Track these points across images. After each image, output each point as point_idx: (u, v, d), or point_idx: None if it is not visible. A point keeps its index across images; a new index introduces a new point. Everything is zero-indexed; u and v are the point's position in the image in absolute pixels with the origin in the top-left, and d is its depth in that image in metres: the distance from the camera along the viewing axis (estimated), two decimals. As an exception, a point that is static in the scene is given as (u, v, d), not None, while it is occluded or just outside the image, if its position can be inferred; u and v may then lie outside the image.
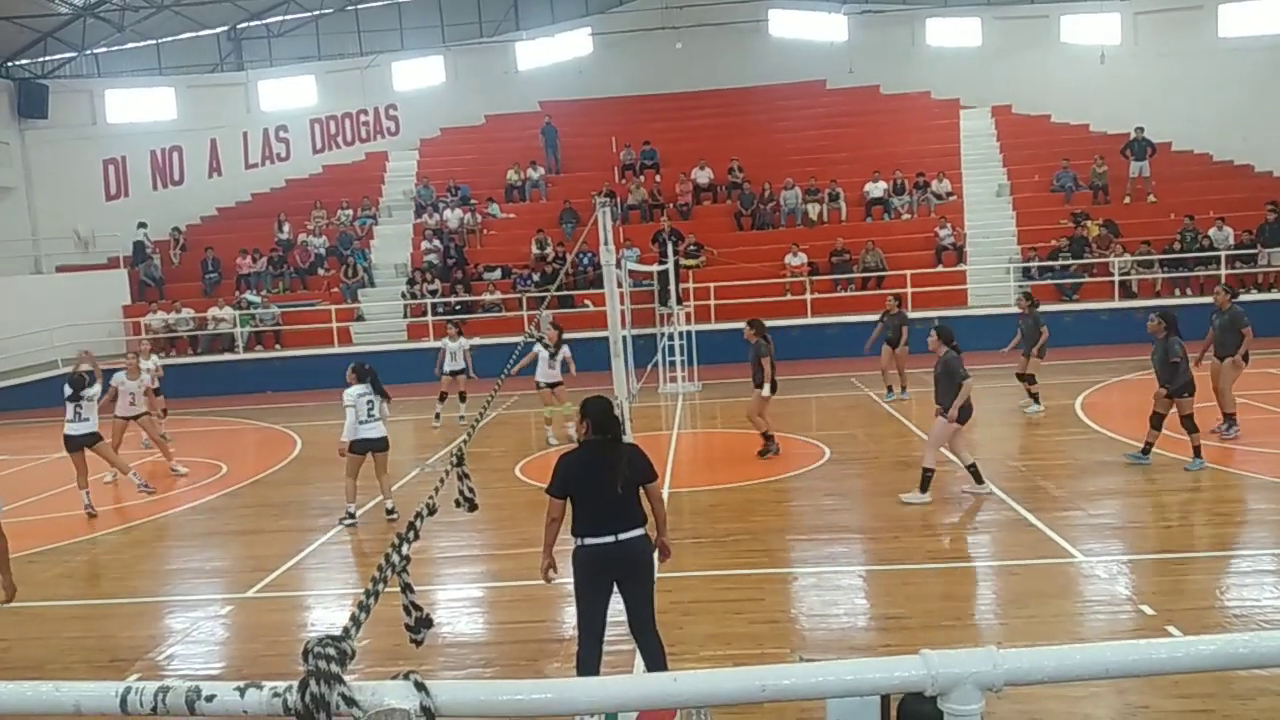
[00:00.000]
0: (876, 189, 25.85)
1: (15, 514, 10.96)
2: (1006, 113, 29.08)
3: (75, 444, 11.24)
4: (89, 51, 29.72)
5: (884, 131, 28.47)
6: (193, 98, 30.43)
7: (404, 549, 1.93)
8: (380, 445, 10.34)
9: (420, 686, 1.51)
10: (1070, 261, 22.78)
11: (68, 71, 29.82)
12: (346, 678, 1.54)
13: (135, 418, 13.19)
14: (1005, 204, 25.64)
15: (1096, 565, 7.79)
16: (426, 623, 1.93)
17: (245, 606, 8.11)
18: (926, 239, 24.09)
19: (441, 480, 2.44)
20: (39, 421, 20.08)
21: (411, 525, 2.04)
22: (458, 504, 2.59)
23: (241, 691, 1.56)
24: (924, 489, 9.78)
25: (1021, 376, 14.45)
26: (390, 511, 10.31)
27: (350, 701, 1.52)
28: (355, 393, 10.14)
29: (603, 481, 5.23)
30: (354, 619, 1.70)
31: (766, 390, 11.78)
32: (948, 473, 10.69)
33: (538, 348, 14.02)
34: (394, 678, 1.55)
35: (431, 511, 2.15)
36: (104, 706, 1.62)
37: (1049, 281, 22.64)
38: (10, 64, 28.36)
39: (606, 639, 5.45)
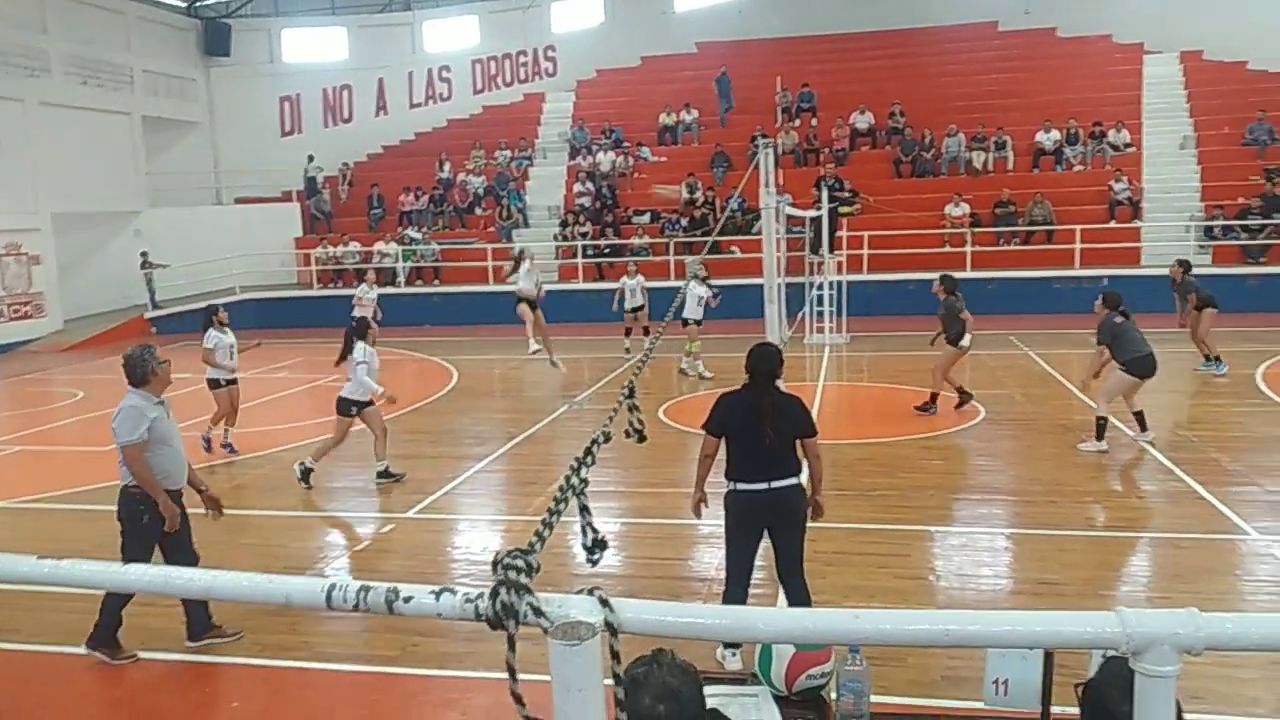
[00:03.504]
0: (1048, 138, 24.52)
1: (198, 428, 11.82)
2: (1196, 58, 26.92)
3: None
4: (269, -9, 31.12)
5: (1059, 77, 26.86)
6: (362, 37, 31.48)
7: (582, 472, 1.98)
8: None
9: (604, 602, 1.55)
10: (1260, 221, 21.10)
11: (249, 11, 31.30)
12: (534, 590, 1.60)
13: None
14: (1189, 157, 23.90)
15: (1273, 544, 7.32)
16: (602, 544, 1.98)
17: (405, 525, 8.54)
18: (1100, 193, 22.74)
19: (615, 409, 2.49)
20: (219, 343, 21.53)
21: (589, 450, 2.09)
22: (627, 434, 2.64)
23: (437, 595, 1.63)
24: (1099, 436, 10.05)
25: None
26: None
27: (538, 612, 1.57)
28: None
29: (755, 428, 5.24)
30: (538, 535, 1.76)
31: (967, 340, 11.80)
32: (1112, 438, 10.22)
33: (691, 285, 14.82)
34: (578, 594, 1.60)
35: (607, 439, 2.20)
36: (311, 601, 1.72)
37: (1234, 242, 21.08)
38: (198, 3, 29.96)
39: (751, 583, 5.50)
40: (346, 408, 9.73)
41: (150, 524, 5.86)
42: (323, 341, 17.74)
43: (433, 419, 13.11)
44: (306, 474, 9.69)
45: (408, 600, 1.65)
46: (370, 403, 9.81)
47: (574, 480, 1.97)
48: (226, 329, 11.15)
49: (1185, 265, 14.49)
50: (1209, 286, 14.37)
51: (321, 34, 31.35)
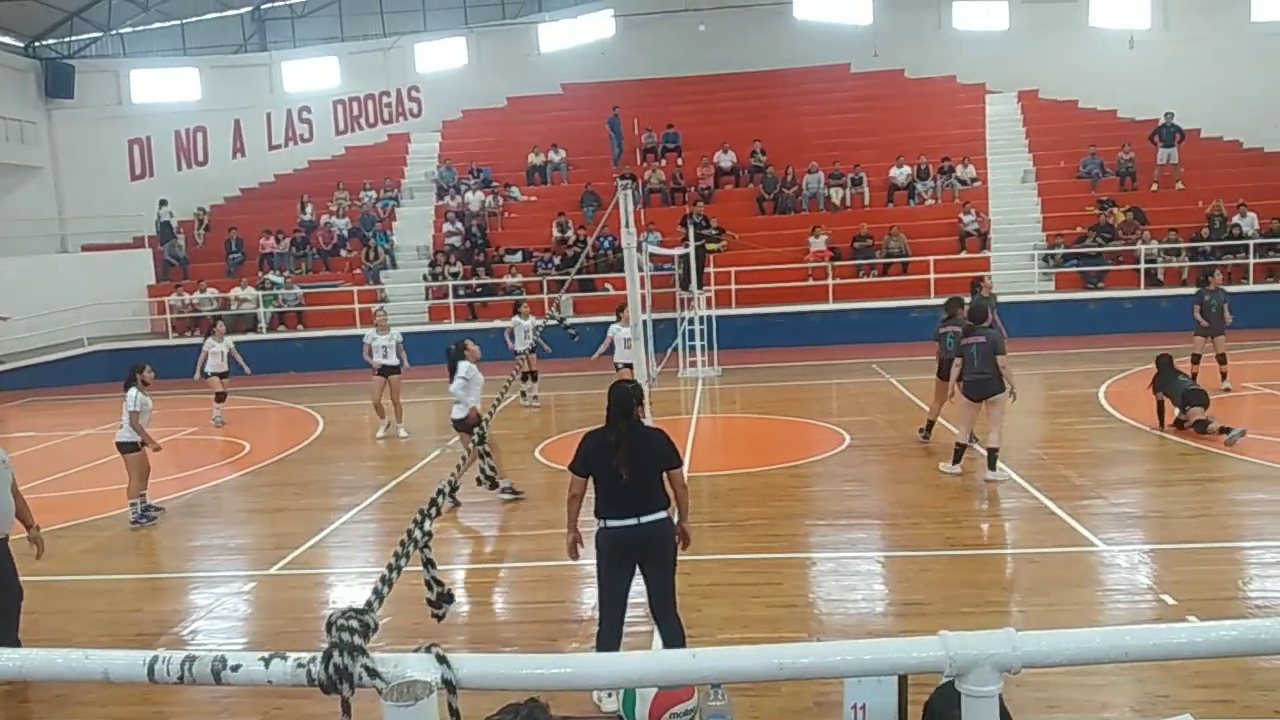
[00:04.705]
0: (900, 174, 25.65)
1: (45, 489, 11.15)
2: (1033, 98, 28.73)
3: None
4: (114, 32, 29.96)
5: (908, 116, 28.20)
6: (217, 78, 30.56)
7: (426, 525, 1.95)
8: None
9: (442, 659, 1.53)
10: (1096, 249, 22.54)
11: (93, 51, 30.04)
12: (369, 651, 1.56)
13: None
14: (1030, 190, 25.38)
15: (1118, 554, 7.75)
16: (448, 598, 1.95)
17: (268, 583, 8.20)
18: (950, 225, 23.88)
19: (463, 459, 2.46)
20: (67, 399, 20.34)
21: (433, 502, 2.06)
22: (479, 482, 2.61)
23: (266, 662, 1.58)
24: (956, 460, 10.34)
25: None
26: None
27: (373, 673, 1.53)
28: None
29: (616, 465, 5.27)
30: (376, 593, 1.72)
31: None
32: (968, 460, 10.67)
33: (615, 329, 14.72)
34: (416, 650, 1.57)
35: (454, 489, 2.17)
36: (132, 675, 1.64)
37: (1074, 269, 22.43)
38: (38, 44, 28.59)
39: (625, 620, 5.48)
40: (468, 428, 9.96)
41: None
42: (180, 393, 17.00)
43: (297, 469, 12.67)
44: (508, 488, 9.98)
45: (236, 669, 1.58)
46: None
47: (416, 534, 1.93)
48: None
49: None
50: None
51: (172, 75, 30.28)
